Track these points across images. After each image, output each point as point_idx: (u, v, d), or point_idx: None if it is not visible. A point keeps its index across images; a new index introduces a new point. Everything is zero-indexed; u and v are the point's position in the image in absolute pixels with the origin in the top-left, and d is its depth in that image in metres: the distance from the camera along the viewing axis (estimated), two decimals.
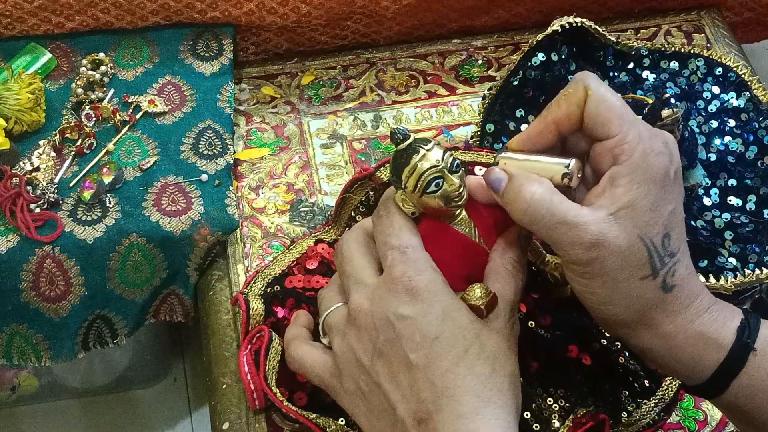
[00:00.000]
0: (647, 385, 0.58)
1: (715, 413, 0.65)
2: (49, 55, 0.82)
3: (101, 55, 0.82)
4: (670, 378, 0.58)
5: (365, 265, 0.53)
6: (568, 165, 0.50)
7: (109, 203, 0.73)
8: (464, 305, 0.50)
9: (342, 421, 0.58)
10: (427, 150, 0.50)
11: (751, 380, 0.47)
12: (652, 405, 0.57)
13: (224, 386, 0.65)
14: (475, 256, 0.53)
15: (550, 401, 0.55)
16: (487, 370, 0.48)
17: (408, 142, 0.51)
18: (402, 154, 0.51)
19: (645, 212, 0.46)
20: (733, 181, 0.73)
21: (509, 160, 0.51)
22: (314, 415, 0.58)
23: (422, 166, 0.50)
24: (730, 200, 0.73)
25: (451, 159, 0.51)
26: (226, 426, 0.63)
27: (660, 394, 0.58)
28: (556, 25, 0.73)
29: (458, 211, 0.53)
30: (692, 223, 0.70)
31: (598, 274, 0.47)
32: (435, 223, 0.52)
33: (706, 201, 0.73)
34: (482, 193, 0.53)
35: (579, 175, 0.50)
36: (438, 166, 0.50)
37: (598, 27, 0.76)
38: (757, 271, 0.68)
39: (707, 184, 0.73)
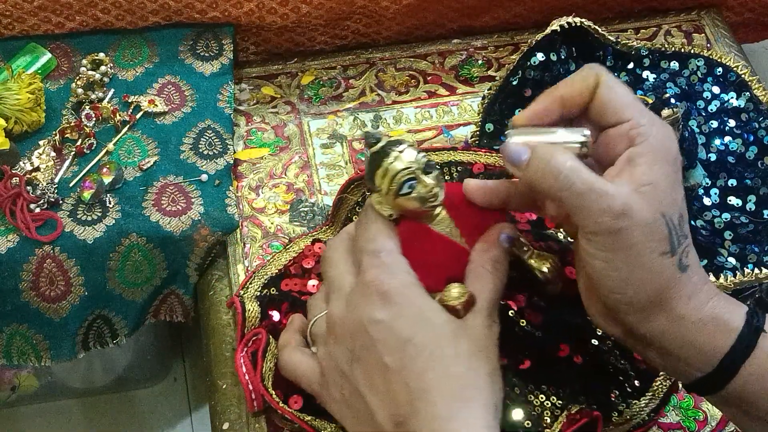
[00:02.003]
0: (638, 385, 0.58)
1: (715, 413, 0.65)
2: (49, 55, 0.82)
3: (101, 55, 0.82)
4: (660, 378, 0.58)
5: (346, 271, 0.53)
6: (585, 134, 0.50)
7: (109, 203, 0.73)
8: (439, 306, 0.50)
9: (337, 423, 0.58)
10: (400, 152, 0.50)
11: (759, 365, 0.47)
12: (643, 405, 0.57)
13: (224, 386, 0.65)
14: (455, 256, 0.53)
15: (542, 398, 0.55)
16: (462, 369, 0.48)
17: (381, 144, 0.51)
18: (375, 156, 0.51)
19: (665, 191, 0.47)
20: (733, 181, 0.73)
21: (519, 135, 0.51)
22: (309, 417, 0.58)
23: (394, 168, 0.50)
24: (730, 200, 0.73)
25: (424, 160, 0.51)
26: (226, 426, 0.63)
27: (650, 393, 0.58)
28: (555, 25, 0.73)
29: (438, 211, 0.53)
30: (692, 223, 0.70)
31: (622, 246, 0.46)
32: (414, 224, 0.53)
33: (706, 201, 0.73)
34: (481, 197, 0.53)
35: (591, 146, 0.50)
36: (410, 167, 0.50)
37: (597, 27, 0.76)
38: (757, 270, 0.68)
39: (707, 184, 0.73)
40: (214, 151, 0.78)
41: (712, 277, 0.67)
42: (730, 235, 0.71)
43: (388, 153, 0.50)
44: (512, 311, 0.56)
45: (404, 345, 0.48)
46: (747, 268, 0.68)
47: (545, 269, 0.54)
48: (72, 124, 0.77)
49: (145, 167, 0.76)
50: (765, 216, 0.72)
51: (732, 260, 0.69)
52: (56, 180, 0.74)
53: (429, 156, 0.51)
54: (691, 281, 0.48)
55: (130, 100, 0.80)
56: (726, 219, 0.71)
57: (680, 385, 0.65)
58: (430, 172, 0.51)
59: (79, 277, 0.72)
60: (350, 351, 0.51)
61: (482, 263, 0.52)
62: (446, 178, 0.73)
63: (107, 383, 1.22)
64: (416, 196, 0.51)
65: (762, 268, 0.68)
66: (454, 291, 0.50)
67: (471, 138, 0.76)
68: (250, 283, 0.67)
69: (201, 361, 0.71)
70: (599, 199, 0.46)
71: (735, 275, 0.68)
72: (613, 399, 0.57)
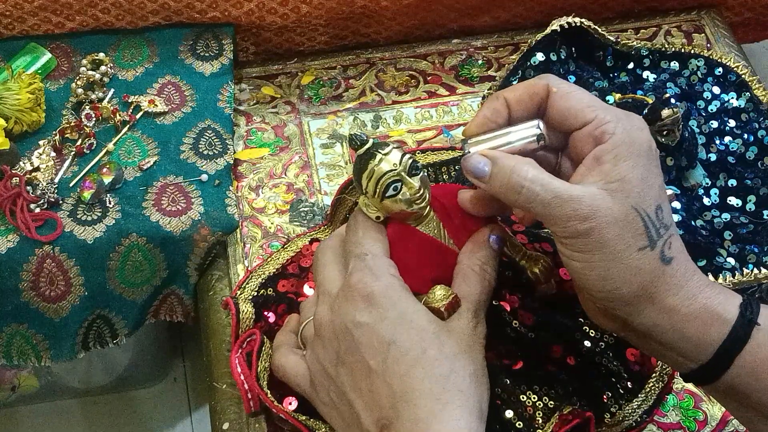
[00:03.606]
0: (630, 386, 0.58)
1: (715, 413, 0.65)
2: (49, 55, 0.82)
3: (101, 55, 0.82)
4: (653, 380, 0.58)
5: (334, 275, 0.54)
6: (539, 125, 0.50)
7: (109, 203, 0.73)
8: (423, 308, 0.50)
9: None
10: (384, 154, 0.51)
11: (753, 357, 0.47)
12: (635, 406, 0.57)
13: (224, 386, 0.65)
14: (443, 258, 0.53)
15: (534, 398, 0.55)
16: (445, 371, 0.48)
17: (366, 147, 0.51)
18: (360, 159, 0.51)
19: (636, 184, 0.47)
20: (733, 182, 0.73)
21: (476, 145, 0.51)
22: (304, 417, 0.58)
23: (379, 171, 0.50)
24: (729, 200, 0.73)
25: (410, 162, 0.51)
26: (225, 426, 0.63)
27: (643, 395, 0.58)
28: (555, 25, 0.73)
29: (426, 212, 0.53)
30: (692, 223, 0.70)
31: (596, 247, 0.46)
32: (401, 226, 0.53)
33: (706, 201, 0.73)
34: (477, 207, 0.53)
35: (548, 135, 0.51)
36: (395, 170, 0.50)
37: (597, 27, 0.76)
38: (756, 271, 0.68)
39: (707, 184, 0.73)
40: (214, 151, 0.78)
41: (711, 277, 0.67)
42: (729, 235, 0.71)
43: (374, 155, 0.51)
44: (505, 312, 0.56)
45: (387, 347, 0.48)
46: (746, 268, 0.68)
47: (537, 270, 0.54)
48: (72, 124, 0.77)
49: (145, 167, 0.76)
50: (765, 216, 0.72)
51: (731, 260, 0.69)
52: (56, 180, 0.74)
53: (417, 157, 0.51)
54: (678, 273, 0.48)
55: (130, 100, 0.80)
56: (726, 219, 0.71)
57: (676, 385, 0.65)
58: (415, 173, 0.51)
59: (79, 277, 0.72)
60: (336, 354, 0.51)
61: (470, 264, 0.52)
62: (444, 177, 0.73)
63: (107, 383, 1.22)
64: (402, 198, 0.51)
65: (761, 268, 0.68)
66: (439, 293, 0.50)
67: None
68: (247, 284, 0.67)
69: (201, 361, 0.71)
70: (565, 204, 0.46)
71: (734, 275, 0.68)
72: (605, 400, 0.57)
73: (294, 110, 0.83)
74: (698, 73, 0.79)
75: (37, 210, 0.72)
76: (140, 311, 0.75)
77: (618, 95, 0.73)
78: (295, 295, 0.65)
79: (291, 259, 0.68)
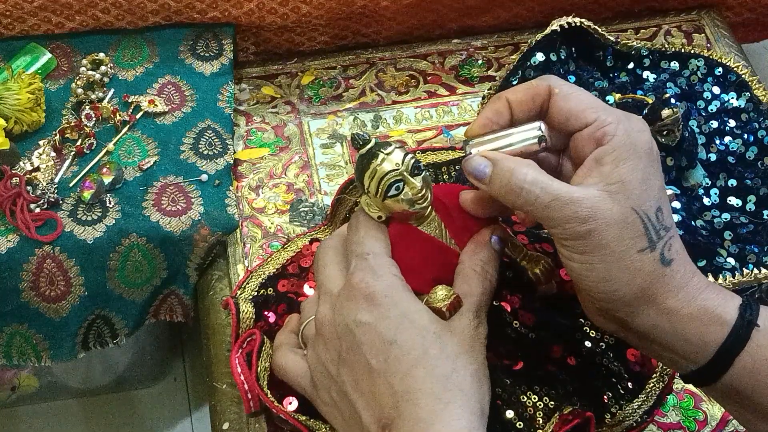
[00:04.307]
0: (631, 387, 0.58)
1: (715, 413, 0.65)
2: (49, 55, 0.82)
3: (101, 55, 0.82)
4: (653, 380, 0.58)
5: (335, 274, 0.54)
6: (540, 127, 0.50)
7: (109, 203, 0.73)
8: (425, 308, 0.50)
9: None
10: (387, 154, 0.51)
11: (753, 358, 0.47)
12: (636, 407, 0.57)
13: (224, 386, 0.65)
14: (444, 258, 0.53)
15: (534, 398, 0.55)
16: (447, 370, 0.48)
17: (368, 146, 0.51)
18: (363, 158, 0.51)
19: (636, 186, 0.47)
20: (733, 182, 0.73)
21: (477, 146, 0.51)
22: (304, 418, 0.58)
23: (382, 170, 0.50)
24: (729, 200, 0.73)
25: (412, 162, 0.51)
26: (226, 426, 0.63)
27: (643, 395, 0.58)
28: (555, 25, 0.72)
29: (428, 212, 0.53)
30: (692, 223, 0.70)
31: (595, 248, 0.46)
32: (403, 226, 0.53)
33: (706, 201, 0.73)
34: (479, 208, 0.53)
35: (549, 136, 0.51)
36: (398, 169, 0.50)
37: (597, 27, 0.76)
38: (756, 271, 0.68)
39: (707, 184, 0.73)
40: (214, 151, 0.78)
41: (711, 278, 0.67)
42: (729, 235, 0.71)
43: (376, 155, 0.51)
44: (506, 312, 0.56)
45: (389, 346, 0.48)
46: (746, 268, 0.68)
47: (538, 271, 0.54)
48: (72, 124, 0.77)
49: (145, 167, 0.76)
50: (765, 216, 0.72)
51: (731, 260, 0.69)
52: (56, 180, 0.74)
53: (417, 157, 0.51)
54: (677, 275, 0.48)
55: (130, 100, 0.80)
56: (726, 219, 0.71)
57: (676, 385, 0.65)
58: (418, 173, 0.51)
59: (79, 277, 0.72)
60: (337, 353, 0.51)
61: (471, 265, 0.52)
62: (445, 177, 0.73)
63: (107, 383, 1.22)
64: (404, 198, 0.51)
65: (761, 268, 0.68)
66: (440, 293, 0.50)
67: None
68: (247, 284, 0.67)
69: (201, 361, 0.71)
70: (564, 206, 0.46)
71: (734, 276, 0.68)
72: (605, 401, 0.57)
73: (294, 110, 0.83)
74: (698, 73, 0.79)
75: (37, 210, 0.72)
76: (140, 311, 0.75)
77: (618, 95, 0.73)
78: (296, 295, 0.65)
79: (291, 259, 0.68)
